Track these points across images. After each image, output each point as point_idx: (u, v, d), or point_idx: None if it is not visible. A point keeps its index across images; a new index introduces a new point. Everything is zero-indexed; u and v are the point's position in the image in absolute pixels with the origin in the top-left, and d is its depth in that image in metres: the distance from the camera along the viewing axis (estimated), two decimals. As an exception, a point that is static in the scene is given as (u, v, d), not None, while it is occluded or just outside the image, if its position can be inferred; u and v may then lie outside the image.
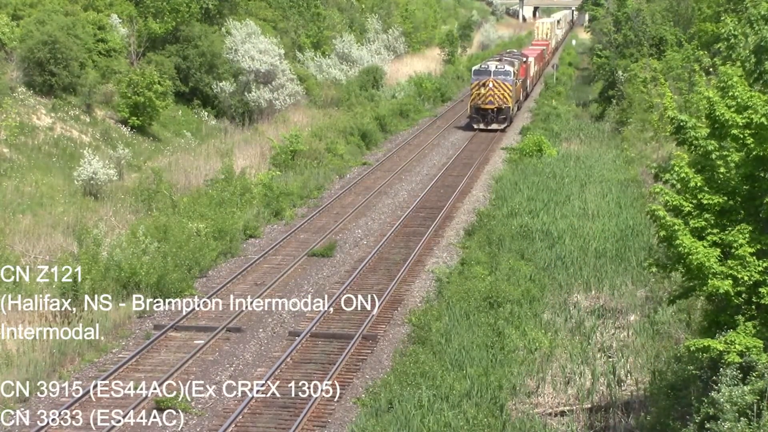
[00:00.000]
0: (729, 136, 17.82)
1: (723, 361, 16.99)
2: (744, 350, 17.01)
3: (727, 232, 17.85)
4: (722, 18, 36.91)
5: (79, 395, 21.97)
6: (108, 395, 22.44)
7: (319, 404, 22.15)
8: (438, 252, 34.36)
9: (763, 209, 17.78)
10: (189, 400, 22.24)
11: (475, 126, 62.02)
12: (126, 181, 40.10)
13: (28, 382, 22.46)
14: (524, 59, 73.03)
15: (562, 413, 21.82)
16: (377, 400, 21.95)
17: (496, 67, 62.17)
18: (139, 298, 27.88)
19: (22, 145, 41.83)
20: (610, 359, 24.13)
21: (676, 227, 17.81)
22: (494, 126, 61.60)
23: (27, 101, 45.29)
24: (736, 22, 25.19)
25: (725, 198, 18.07)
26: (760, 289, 17.44)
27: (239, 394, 22.70)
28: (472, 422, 20.25)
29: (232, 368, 24.36)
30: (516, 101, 66.02)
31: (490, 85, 61.34)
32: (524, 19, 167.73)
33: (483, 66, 63.34)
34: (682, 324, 25.24)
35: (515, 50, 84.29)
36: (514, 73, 62.47)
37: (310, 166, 46.18)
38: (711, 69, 39.24)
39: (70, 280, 26.47)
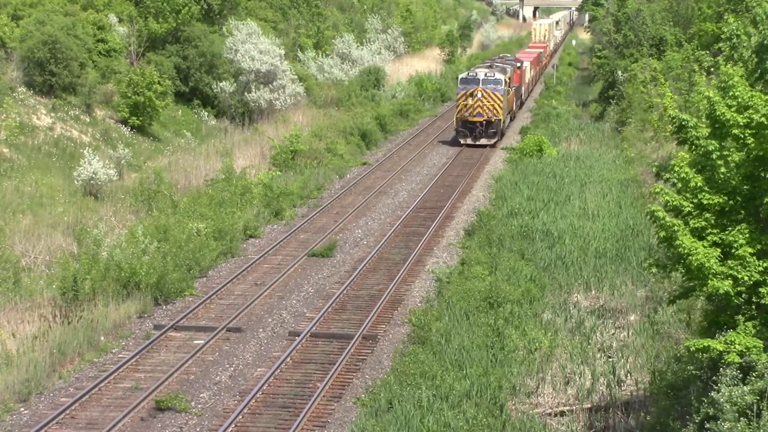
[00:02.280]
0: (729, 136, 17.82)
1: (723, 361, 16.98)
2: (744, 350, 17.00)
3: (727, 232, 17.84)
4: (724, 18, 36.94)
5: (79, 395, 21.95)
6: (108, 395, 22.44)
7: (319, 404, 22.14)
8: (438, 252, 34.36)
9: (763, 209, 17.78)
10: (189, 400, 22.24)
11: (462, 141, 55.92)
12: (126, 181, 40.11)
13: (28, 382, 22.46)
14: (518, 65, 67.66)
15: (562, 413, 21.81)
16: (377, 400, 21.94)
17: (486, 74, 55.88)
18: (139, 298, 27.90)
19: (22, 145, 41.83)
20: (610, 359, 24.12)
21: (676, 227, 17.80)
22: (483, 141, 55.49)
23: (27, 101, 45.30)
24: (739, 22, 25.19)
25: (725, 198, 18.06)
26: (760, 289, 17.43)
27: (239, 394, 22.71)
28: (472, 422, 20.24)
29: (232, 368, 24.35)
30: (508, 112, 60.37)
31: (479, 95, 54.92)
32: (524, 19, 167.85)
33: (470, 74, 57.10)
34: (682, 324, 25.23)
35: (508, 55, 78.15)
36: (505, 81, 56.41)
37: (310, 166, 46.18)
38: (711, 69, 39.25)
39: (70, 280, 26.47)
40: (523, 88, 71.35)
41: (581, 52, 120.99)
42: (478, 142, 55.45)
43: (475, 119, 55.40)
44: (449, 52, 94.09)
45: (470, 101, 55.03)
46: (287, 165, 45.87)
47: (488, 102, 55.11)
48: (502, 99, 55.43)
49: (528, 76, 75.72)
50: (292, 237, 35.95)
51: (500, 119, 55.69)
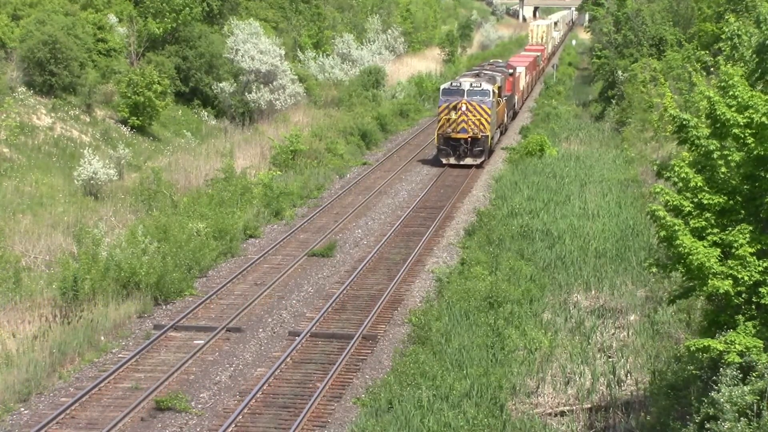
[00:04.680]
0: (730, 136, 17.82)
1: (723, 361, 16.99)
2: (744, 350, 17.01)
3: (727, 232, 17.84)
4: (725, 18, 36.94)
5: (79, 395, 21.94)
6: (108, 395, 22.43)
7: (319, 404, 22.14)
8: (438, 252, 34.35)
9: (763, 209, 17.78)
10: (189, 400, 22.23)
11: (444, 161, 49.53)
12: (126, 181, 40.11)
13: (28, 382, 22.46)
14: (510, 71, 61.69)
15: (562, 413, 21.81)
16: (377, 400, 21.94)
17: (471, 85, 49.62)
18: (139, 298, 27.88)
19: (22, 145, 41.85)
20: (610, 359, 24.12)
21: (677, 227, 17.80)
22: (468, 161, 49.19)
23: (27, 101, 45.31)
24: (740, 22, 25.20)
25: (726, 198, 18.06)
26: (760, 289, 17.43)
27: (239, 394, 22.70)
28: (472, 422, 20.24)
29: (232, 368, 24.35)
30: (498, 126, 54.18)
31: (463, 108, 48.54)
32: (524, 19, 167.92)
33: (454, 84, 50.72)
34: (682, 324, 25.23)
35: (500, 60, 72.06)
36: (493, 92, 49.95)
37: (310, 166, 46.19)
38: (711, 68, 39.26)
39: (70, 280, 26.46)
40: (516, 97, 65.44)
41: (581, 52, 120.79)
42: (462, 162, 49.27)
43: (459, 136, 49.04)
44: (449, 52, 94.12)
45: (453, 115, 48.72)
46: (287, 165, 45.87)
47: (474, 116, 48.90)
48: (489, 112, 49.26)
49: (522, 83, 70.16)
50: (292, 237, 35.94)
51: (487, 135, 49.38)
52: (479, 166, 49.21)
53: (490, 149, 51.05)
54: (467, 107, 48.75)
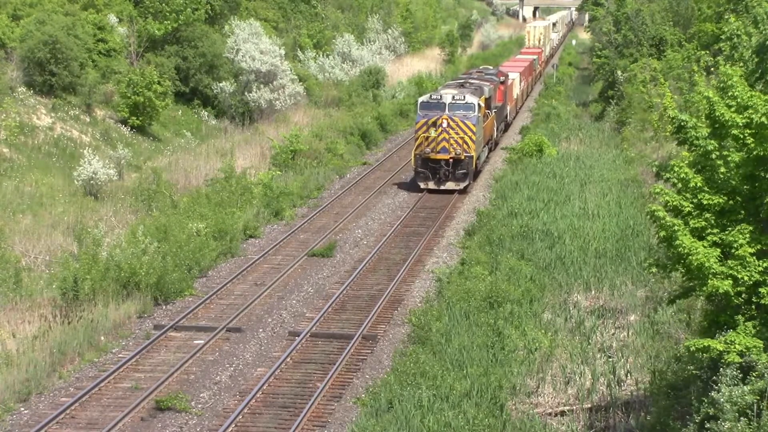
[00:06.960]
0: (729, 136, 17.82)
1: (723, 361, 16.99)
2: (744, 350, 17.01)
3: (727, 232, 17.85)
4: (724, 18, 36.98)
5: (79, 395, 21.95)
6: (108, 395, 22.44)
7: (319, 404, 22.14)
8: (438, 252, 34.36)
9: (763, 209, 17.78)
10: (189, 399, 22.24)
11: (422, 185, 43.21)
12: (126, 181, 40.12)
13: (28, 382, 22.46)
14: (501, 79, 55.23)
15: (562, 413, 21.81)
16: (377, 400, 21.94)
17: (454, 97, 43.30)
18: (139, 298, 27.89)
19: (22, 145, 41.85)
20: (610, 359, 24.12)
21: (676, 227, 17.81)
22: (450, 185, 42.99)
23: (27, 101, 45.32)
24: (739, 22, 25.24)
25: (725, 198, 18.07)
26: (760, 289, 17.43)
27: (239, 394, 22.71)
28: (472, 422, 20.24)
29: (232, 368, 24.36)
30: (486, 143, 48.16)
31: (444, 124, 42.36)
32: (524, 19, 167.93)
33: (434, 96, 44.13)
34: (682, 324, 25.23)
35: (490, 67, 63.89)
36: (479, 105, 43.86)
37: (310, 165, 46.19)
38: (711, 68, 39.28)
39: (70, 280, 26.47)
40: (508, 107, 59.47)
41: (581, 52, 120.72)
42: (442, 187, 43.12)
43: (439, 156, 42.88)
44: (449, 52, 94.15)
45: (433, 133, 42.46)
46: (287, 165, 45.88)
47: (457, 134, 42.69)
48: (474, 129, 42.93)
49: (516, 91, 64.27)
50: (292, 237, 35.95)
51: (472, 156, 43.03)
52: (462, 191, 43.23)
53: (476, 170, 45.14)
54: (449, 123, 42.59)
